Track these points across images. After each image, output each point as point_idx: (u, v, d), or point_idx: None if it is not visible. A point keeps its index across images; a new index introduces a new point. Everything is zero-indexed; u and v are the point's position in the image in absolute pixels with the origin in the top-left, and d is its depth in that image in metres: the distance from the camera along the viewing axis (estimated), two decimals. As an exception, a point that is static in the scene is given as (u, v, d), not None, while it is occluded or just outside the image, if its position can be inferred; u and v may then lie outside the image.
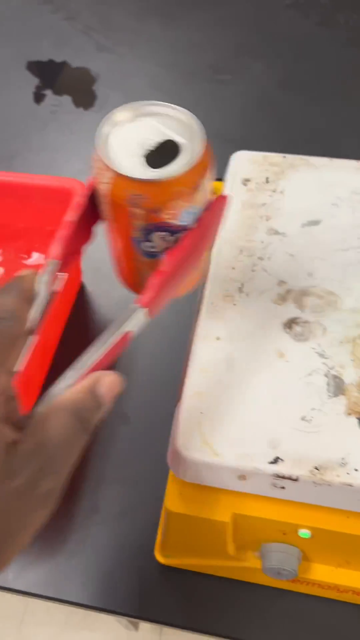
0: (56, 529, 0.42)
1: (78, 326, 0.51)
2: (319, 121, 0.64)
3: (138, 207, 0.24)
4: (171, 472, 0.34)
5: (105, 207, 0.26)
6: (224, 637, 0.38)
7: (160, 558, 0.39)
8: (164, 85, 0.69)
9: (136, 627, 0.92)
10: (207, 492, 0.33)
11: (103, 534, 0.41)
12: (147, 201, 0.24)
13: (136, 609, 0.39)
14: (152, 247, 0.26)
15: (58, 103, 0.68)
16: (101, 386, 0.24)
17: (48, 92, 0.69)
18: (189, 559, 0.39)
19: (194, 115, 0.26)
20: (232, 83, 0.69)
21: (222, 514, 0.33)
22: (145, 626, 0.92)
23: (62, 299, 0.48)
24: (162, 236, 0.26)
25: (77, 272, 0.52)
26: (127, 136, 0.25)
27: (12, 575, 0.40)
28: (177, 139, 0.25)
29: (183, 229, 0.26)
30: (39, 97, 0.69)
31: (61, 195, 0.46)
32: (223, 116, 0.66)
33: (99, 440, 0.45)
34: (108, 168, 0.24)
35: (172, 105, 0.26)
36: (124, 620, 0.87)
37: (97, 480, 0.43)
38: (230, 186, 0.42)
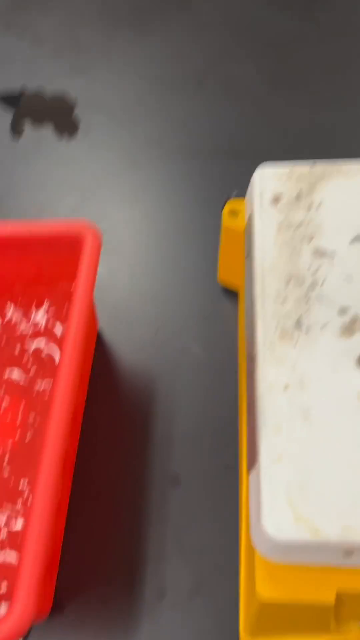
0: (121, 620, 0.36)
1: (102, 381, 0.46)
2: (322, 119, 0.60)
3: None
4: (256, 555, 0.29)
5: None
6: None
7: (247, 639, 0.34)
8: (149, 101, 0.65)
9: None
10: (303, 571, 0.28)
11: (175, 620, 0.36)
12: None
13: None
14: None
15: (39, 135, 0.63)
16: None
17: (26, 125, 0.64)
18: (282, 638, 0.34)
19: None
20: (219, 90, 0.65)
21: (325, 593, 0.28)
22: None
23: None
24: None
25: (94, 321, 0.47)
26: None
27: None
28: None
29: None
30: (16, 132, 0.64)
31: (69, 244, 0.41)
32: (218, 127, 0.61)
33: (149, 508, 0.40)
34: None
35: None
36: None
37: (157, 559, 0.38)
38: (259, 208, 0.38)
